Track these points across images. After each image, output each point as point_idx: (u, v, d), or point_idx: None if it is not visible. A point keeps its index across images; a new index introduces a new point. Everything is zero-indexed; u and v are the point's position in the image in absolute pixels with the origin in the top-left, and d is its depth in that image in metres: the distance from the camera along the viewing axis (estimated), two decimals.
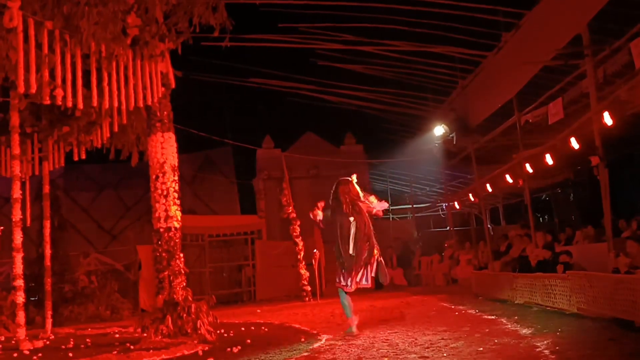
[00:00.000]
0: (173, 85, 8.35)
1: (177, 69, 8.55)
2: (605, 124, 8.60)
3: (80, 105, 7.14)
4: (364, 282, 7.15)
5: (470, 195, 15.84)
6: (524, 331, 6.15)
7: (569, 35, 9.44)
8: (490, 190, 14.14)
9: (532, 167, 11.41)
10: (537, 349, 5.03)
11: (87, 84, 7.29)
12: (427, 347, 5.80)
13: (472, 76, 13.38)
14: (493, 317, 7.64)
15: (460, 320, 7.49)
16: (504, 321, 7.09)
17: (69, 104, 6.98)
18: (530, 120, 10.98)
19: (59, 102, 6.94)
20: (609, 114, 8.54)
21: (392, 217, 22.62)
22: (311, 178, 18.98)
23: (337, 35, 12.24)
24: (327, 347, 6.26)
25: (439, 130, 14.99)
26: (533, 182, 13.08)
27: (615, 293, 6.36)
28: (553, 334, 5.84)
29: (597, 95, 8.98)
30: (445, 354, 5.33)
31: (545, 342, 5.37)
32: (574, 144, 9.78)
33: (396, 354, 5.48)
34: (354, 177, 7.54)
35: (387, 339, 6.42)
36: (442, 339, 6.25)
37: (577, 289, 7.28)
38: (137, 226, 18.27)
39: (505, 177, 12.83)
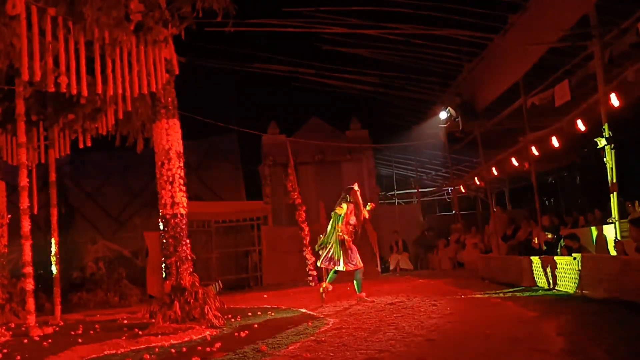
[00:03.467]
0: (177, 72, 8.33)
1: (181, 55, 8.53)
2: (613, 105, 8.55)
3: (85, 93, 7.14)
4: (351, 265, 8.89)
5: (476, 179, 15.82)
6: (530, 314, 6.16)
7: (576, 15, 9.35)
8: (496, 173, 14.11)
9: (538, 150, 11.37)
10: (544, 331, 5.04)
11: (91, 71, 7.29)
12: (434, 330, 5.81)
13: (478, 59, 13.28)
14: (499, 300, 7.65)
15: (466, 304, 7.51)
16: (511, 304, 7.10)
17: (74, 91, 6.99)
18: (537, 103, 10.92)
19: (64, 90, 6.95)
20: (616, 96, 8.48)
21: (398, 202, 22.62)
22: (317, 163, 18.96)
23: (342, 18, 12.15)
24: (334, 331, 6.29)
25: (444, 114, 14.93)
26: (539, 165, 13.04)
27: (622, 275, 6.35)
28: (560, 316, 5.84)
29: (604, 77, 8.91)
30: (452, 337, 5.35)
31: (552, 324, 5.37)
32: (581, 126, 9.73)
33: (403, 337, 5.49)
34: (356, 187, 9.22)
35: (394, 323, 6.44)
36: (449, 322, 6.27)
37: (583, 271, 7.27)
38: (144, 213, 18.30)
39: (511, 161, 12.79)
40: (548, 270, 8.10)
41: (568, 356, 4.03)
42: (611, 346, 4.21)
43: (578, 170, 17.01)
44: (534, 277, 8.82)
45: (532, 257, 8.89)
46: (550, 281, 8.07)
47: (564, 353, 4.13)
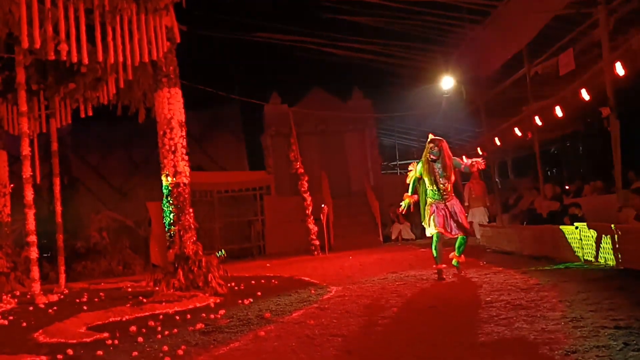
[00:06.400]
0: (178, 40, 8.27)
1: (182, 24, 8.44)
2: (617, 74, 8.46)
3: (85, 61, 7.09)
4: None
5: (479, 149, 15.76)
6: (532, 281, 6.20)
7: None
8: (498, 143, 14.05)
9: (541, 119, 11.30)
10: (546, 299, 5.08)
11: (91, 39, 7.22)
12: (435, 297, 5.87)
13: (482, 27, 13.09)
14: (501, 268, 7.69)
15: (468, 272, 7.55)
16: (512, 272, 7.14)
17: (74, 59, 6.94)
18: (540, 72, 10.81)
19: (64, 58, 6.90)
20: (621, 64, 8.39)
21: (400, 172, 22.60)
22: (319, 133, 18.91)
23: None
24: (337, 298, 6.35)
25: (447, 83, 14.80)
26: (542, 134, 12.97)
27: (623, 243, 6.38)
28: (562, 283, 5.88)
29: (609, 45, 8.79)
30: (454, 304, 5.41)
31: (553, 291, 5.41)
32: (585, 95, 9.64)
33: (405, 304, 5.55)
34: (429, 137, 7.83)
35: (396, 290, 6.50)
36: (451, 289, 6.32)
37: (585, 240, 7.30)
38: (146, 183, 18.34)
39: (515, 130, 12.73)
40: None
41: (569, 322, 4.07)
42: (612, 312, 4.25)
43: (581, 139, 16.93)
44: (536, 246, 8.85)
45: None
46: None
47: (565, 319, 4.17)
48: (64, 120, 10.34)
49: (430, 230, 7.46)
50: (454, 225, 7.35)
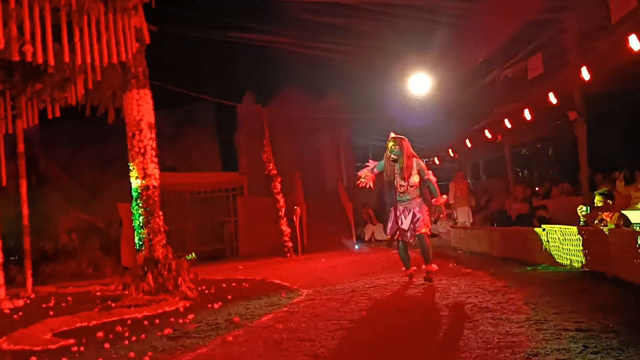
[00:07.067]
0: (148, 41, 8.16)
1: (151, 24, 8.34)
2: (583, 79, 8.61)
3: (51, 62, 6.95)
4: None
5: (450, 150, 15.92)
6: (499, 284, 6.27)
7: None
8: (469, 145, 14.20)
9: (511, 122, 11.45)
10: (512, 301, 5.14)
11: (58, 39, 7.08)
12: (404, 300, 5.91)
13: (455, 30, 13.20)
14: (470, 270, 7.77)
15: (438, 274, 7.60)
16: (481, 274, 7.22)
17: (39, 60, 6.79)
18: (509, 76, 10.97)
19: (29, 59, 6.74)
20: (587, 69, 8.54)
21: None
22: (292, 133, 18.86)
23: None
24: (307, 301, 6.34)
25: (420, 84, 14.89)
26: (514, 137, 13.15)
27: (589, 245, 6.50)
28: (527, 285, 5.97)
29: (577, 50, 8.96)
30: (422, 306, 5.45)
31: (519, 294, 5.49)
32: (552, 99, 9.80)
33: (374, 307, 5.58)
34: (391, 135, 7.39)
35: (366, 293, 6.52)
36: (420, 292, 6.36)
37: (552, 242, 7.42)
38: (117, 182, 18.04)
39: (485, 133, 12.88)
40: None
41: (532, 325, 4.13)
42: (574, 315, 4.32)
43: (551, 142, 17.21)
44: (505, 248, 8.96)
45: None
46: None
47: (529, 322, 4.23)
48: (31, 121, 10.12)
49: (387, 235, 7.35)
50: (411, 228, 7.02)
